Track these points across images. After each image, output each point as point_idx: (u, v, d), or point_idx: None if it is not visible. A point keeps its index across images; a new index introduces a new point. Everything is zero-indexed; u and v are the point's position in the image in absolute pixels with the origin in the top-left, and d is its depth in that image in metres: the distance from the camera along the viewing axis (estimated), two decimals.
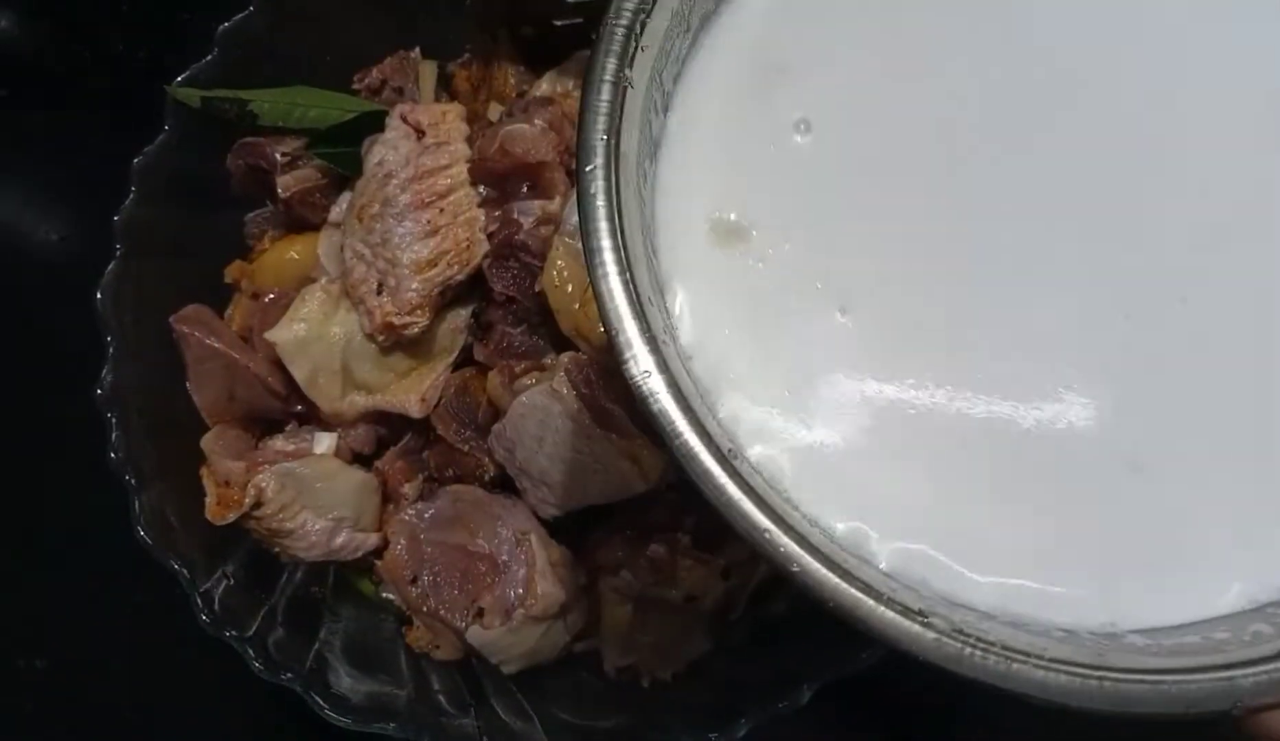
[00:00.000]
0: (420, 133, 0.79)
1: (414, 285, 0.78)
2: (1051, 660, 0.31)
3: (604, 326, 0.35)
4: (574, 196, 0.75)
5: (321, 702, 0.66)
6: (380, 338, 0.79)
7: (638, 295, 0.35)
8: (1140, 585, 0.35)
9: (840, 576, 0.31)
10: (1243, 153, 0.39)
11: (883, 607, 0.31)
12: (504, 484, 0.79)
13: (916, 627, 0.31)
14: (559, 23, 0.85)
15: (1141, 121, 0.39)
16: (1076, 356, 0.37)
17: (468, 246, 0.78)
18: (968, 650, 0.31)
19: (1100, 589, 0.35)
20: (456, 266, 0.78)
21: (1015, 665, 0.31)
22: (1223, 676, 0.30)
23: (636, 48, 0.38)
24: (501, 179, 0.79)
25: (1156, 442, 0.36)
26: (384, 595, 0.80)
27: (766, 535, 0.32)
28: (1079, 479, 0.36)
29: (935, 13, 0.42)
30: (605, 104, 0.37)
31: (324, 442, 0.79)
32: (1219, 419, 0.36)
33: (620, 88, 0.37)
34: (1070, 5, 0.41)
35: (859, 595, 0.31)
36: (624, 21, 0.38)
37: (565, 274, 0.74)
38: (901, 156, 0.40)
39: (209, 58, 0.80)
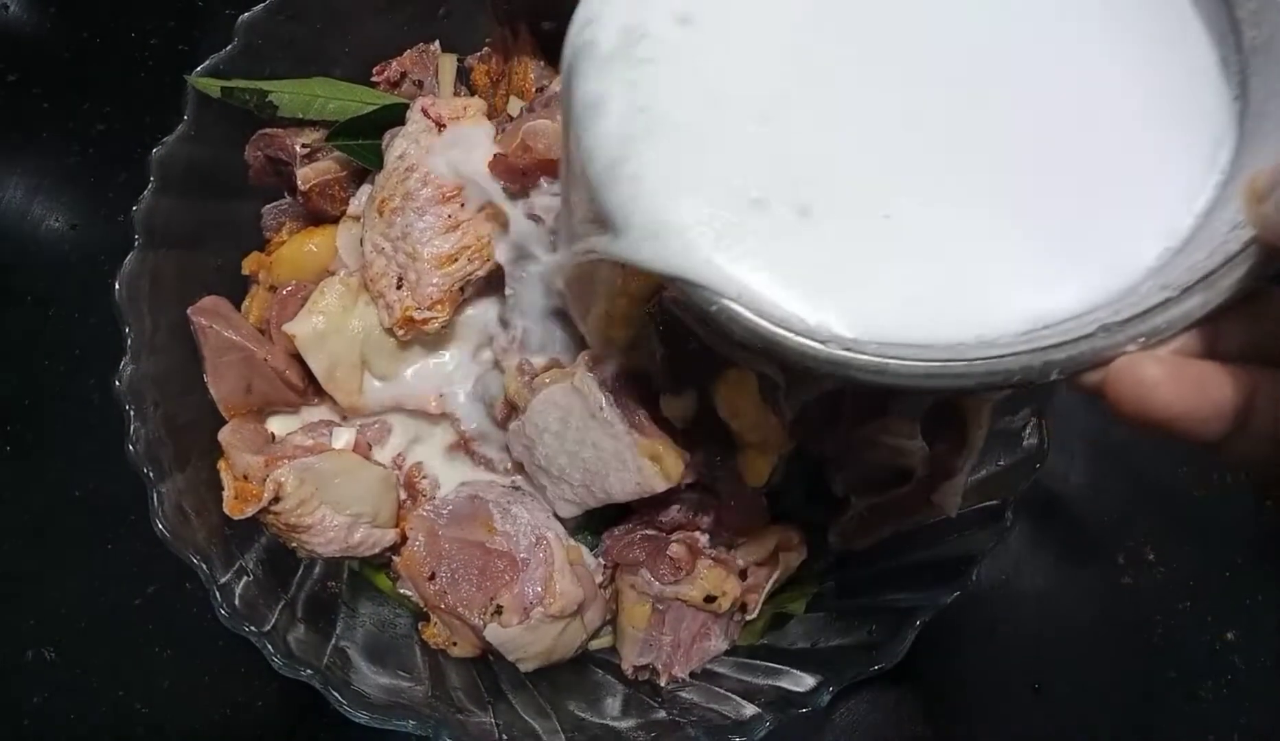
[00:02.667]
0: (441, 126, 0.79)
1: (434, 280, 0.77)
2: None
3: None
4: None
5: (340, 698, 0.65)
6: (399, 332, 0.79)
7: None
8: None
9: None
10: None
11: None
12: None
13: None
14: None
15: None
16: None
17: (489, 242, 0.78)
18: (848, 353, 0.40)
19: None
20: (477, 262, 0.78)
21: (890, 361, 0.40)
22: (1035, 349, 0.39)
23: None
24: (522, 174, 0.78)
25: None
26: (401, 591, 0.80)
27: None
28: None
29: None
30: None
31: (342, 437, 0.79)
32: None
33: None
34: None
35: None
36: None
37: (587, 270, 0.74)
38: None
39: (229, 48, 0.79)
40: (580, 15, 0.50)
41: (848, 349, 0.40)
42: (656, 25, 0.48)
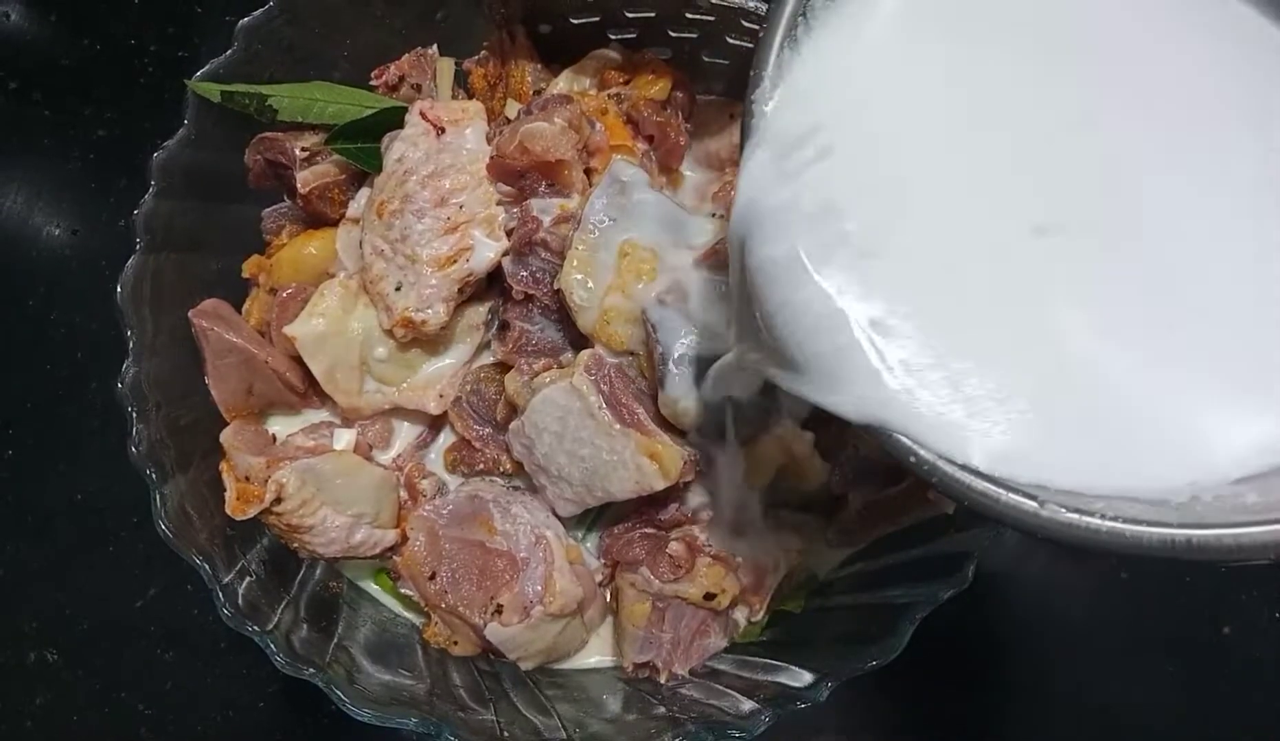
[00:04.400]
0: (440, 130, 0.79)
1: (433, 281, 0.78)
2: (1140, 520, 0.37)
3: None
4: (592, 194, 0.76)
5: (343, 696, 0.66)
6: (399, 333, 0.79)
7: None
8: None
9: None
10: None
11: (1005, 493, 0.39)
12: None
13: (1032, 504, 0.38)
14: (576, 21, 0.85)
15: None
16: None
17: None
18: (1078, 517, 0.37)
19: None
20: (475, 263, 0.78)
21: (1122, 525, 0.37)
22: None
23: None
24: (520, 176, 0.79)
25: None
26: (402, 591, 0.80)
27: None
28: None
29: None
30: None
31: (343, 439, 0.79)
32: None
33: None
34: None
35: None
36: None
37: (584, 272, 0.74)
38: None
39: (229, 53, 0.80)
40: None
41: (1077, 510, 0.38)
42: None
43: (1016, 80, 0.47)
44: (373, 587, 0.84)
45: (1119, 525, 0.37)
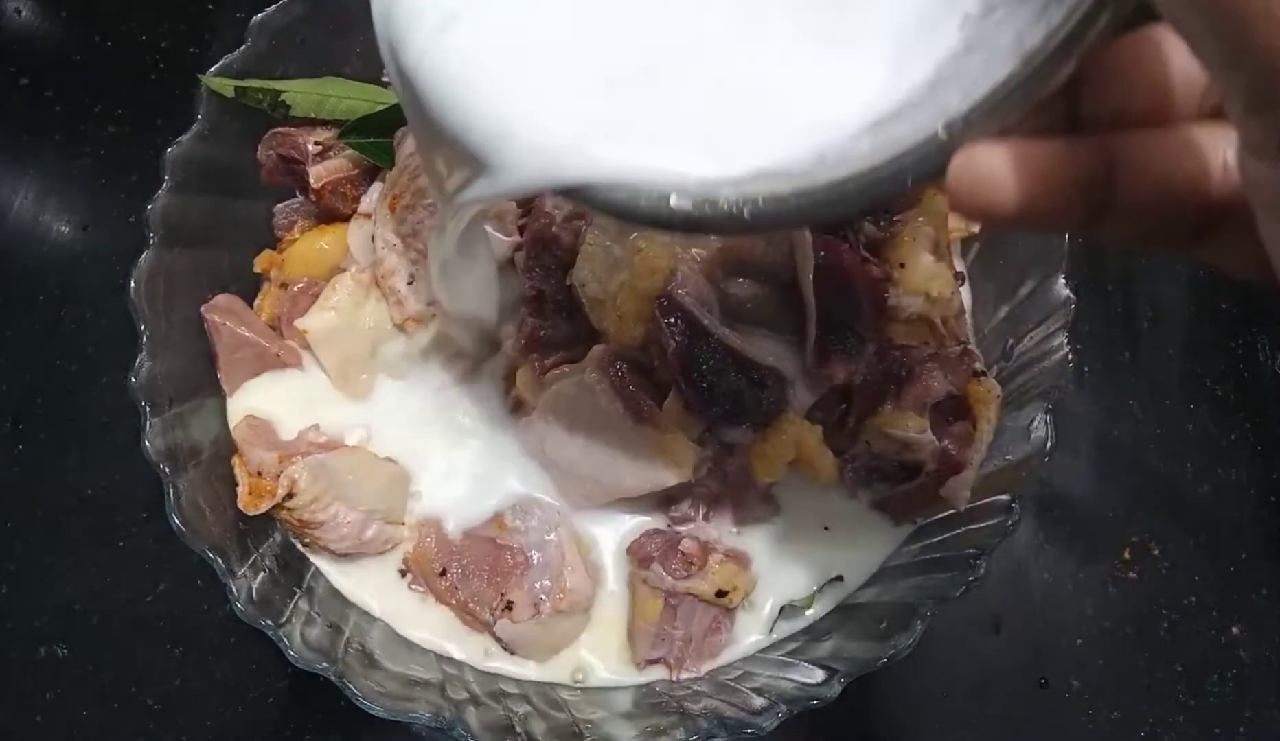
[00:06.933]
0: None
1: None
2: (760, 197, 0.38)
3: None
4: None
5: (356, 690, 0.66)
6: (410, 328, 0.80)
7: None
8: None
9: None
10: None
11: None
12: None
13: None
14: None
15: None
16: None
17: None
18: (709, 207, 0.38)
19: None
20: None
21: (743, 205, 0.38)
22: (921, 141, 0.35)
23: None
24: None
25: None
26: (412, 587, 0.80)
27: None
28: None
29: None
30: None
31: (355, 434, 0.79)
32: None
33: None
34: None
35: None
36: None
37: (597, 267, 0.74)
38: None
39: (243, 48, 0.80)
40: None
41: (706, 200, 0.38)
42: None
43: None
44: None
45: (740, 206, 0.37)
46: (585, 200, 0.42)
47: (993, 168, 0.32)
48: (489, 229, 0.78)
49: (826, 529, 0.79)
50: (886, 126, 0.37)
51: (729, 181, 0.38)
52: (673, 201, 0.38)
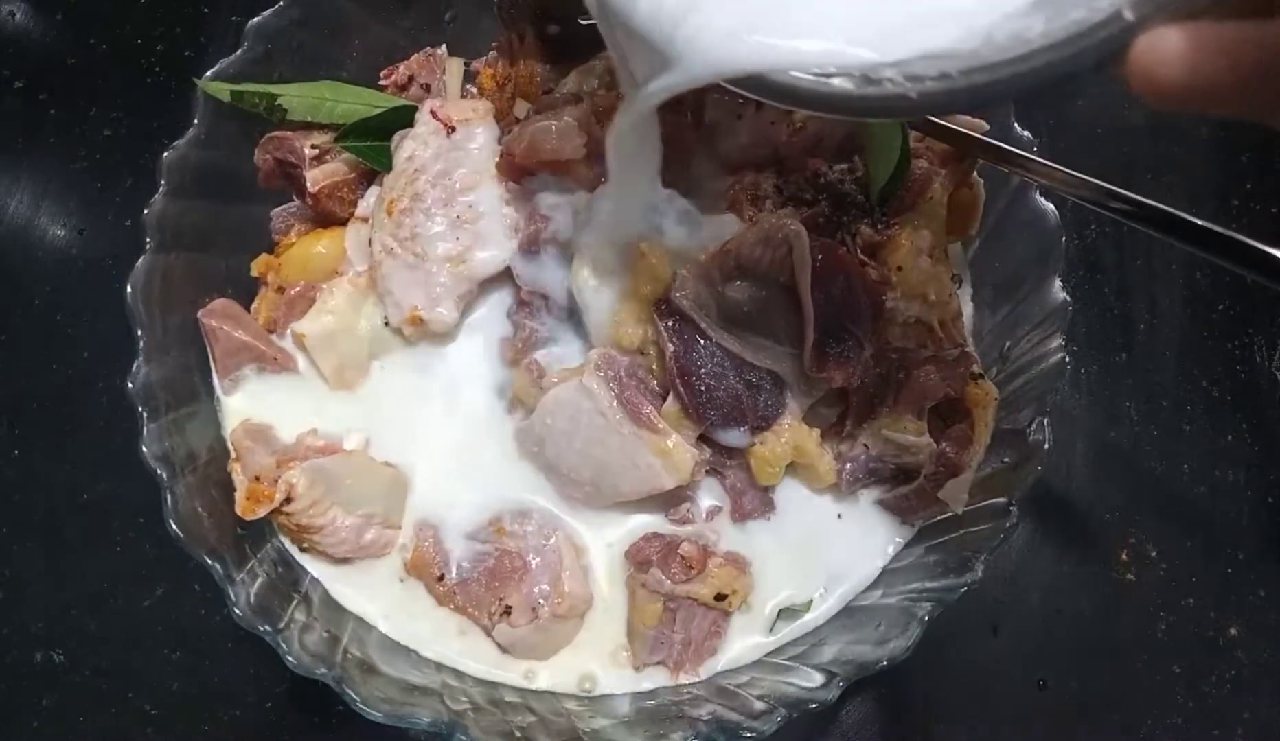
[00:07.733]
0: (450, 128, 0.79)
1: (442, 280, 0.78)
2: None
3: None
4: (601, 191, 0.75)
5: (354, 695, 0.66)
6: (407, 332, 0.80)
7: None
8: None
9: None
10: None
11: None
12: None
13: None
14: (584, 21, 0.85)
15: None
16: None
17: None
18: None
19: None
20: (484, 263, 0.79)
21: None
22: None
23: None
24: (530, 176, 0.79)
25: None
26: (410, 591, 0.80)
27: None
28: None
29: None
30: None
31: (353, 438, 0.79)
32: None
33: None
34: None
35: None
36: None
37: (594, 271, 0.74)
38: None
39: (239, 52, 0.80)
40: None
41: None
42: None
43: None
44: None
45: (905, 85, 0.38)
46: (753, 89, 0.43)
47: (1178, 50, 0.32)
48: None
49: (825, 532, 0.79)
50: (1058, 4, 0.36)
51: (891, 63, 0.39)
52: (836, 83, 0.40)
